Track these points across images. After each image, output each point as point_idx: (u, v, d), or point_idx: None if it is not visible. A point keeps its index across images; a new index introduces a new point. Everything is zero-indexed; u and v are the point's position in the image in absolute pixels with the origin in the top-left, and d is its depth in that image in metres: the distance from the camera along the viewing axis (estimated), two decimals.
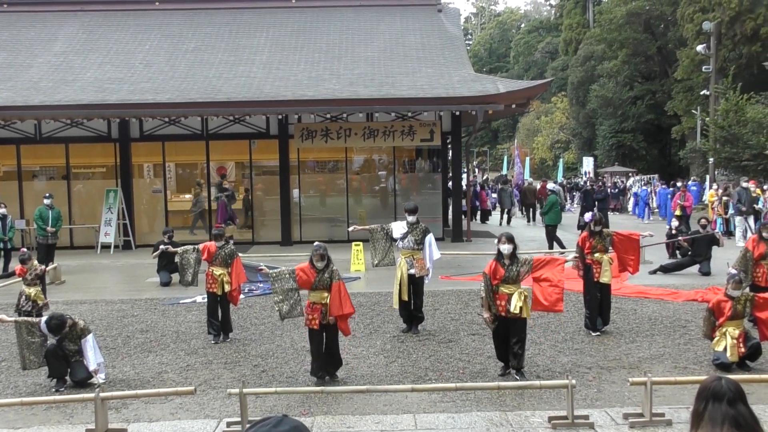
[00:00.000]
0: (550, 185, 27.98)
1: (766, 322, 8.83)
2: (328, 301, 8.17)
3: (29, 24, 24.65)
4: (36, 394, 8.21)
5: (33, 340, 8.46)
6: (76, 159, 21.45)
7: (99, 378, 8.41)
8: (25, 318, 9.08)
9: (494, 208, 30.53)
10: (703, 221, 15.69)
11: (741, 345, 8.64)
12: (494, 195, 31.60)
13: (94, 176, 22.29)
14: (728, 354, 8.63)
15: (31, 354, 8.45)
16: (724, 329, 8.74)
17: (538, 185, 29.25)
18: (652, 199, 30.09)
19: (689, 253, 15.51)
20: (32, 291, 10.73)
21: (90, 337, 8.43)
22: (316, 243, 8.55)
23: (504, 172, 51.95)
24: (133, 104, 19.21)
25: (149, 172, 22.49)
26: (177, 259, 11.30)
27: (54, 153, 21.28)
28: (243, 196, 22.23)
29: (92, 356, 8.35)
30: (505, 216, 27.78)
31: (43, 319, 8.56)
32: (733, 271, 9.28)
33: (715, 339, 8.81)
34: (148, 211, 21.76)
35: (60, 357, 8.44)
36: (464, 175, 25.05)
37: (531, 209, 28.23)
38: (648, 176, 36.68)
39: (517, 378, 8.29)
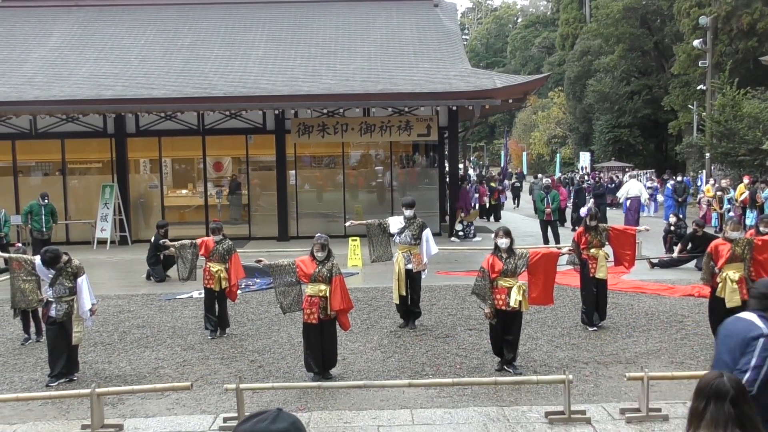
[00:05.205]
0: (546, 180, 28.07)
1: (764, 264, 8.79)
2: (326, 294, 8.15)
3: (24, 19, 24.55)
4: (32, 390, 8.18)
5: (27, 280, 9.00)
6: (71, 154, 21.38)
7: (87, 323, 8.77)
8: (19, 255, 9.37)
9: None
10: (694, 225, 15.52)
11: (743, 290, 8.56)
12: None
13: (90, 172, 22.21)
14: (727, 301, 8.57)
15: (19, 293, 9.02)
16: (723, 274, 8.67)
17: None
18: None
19: (687, 250, 15.47)
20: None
21: (85, 277, 8.61)
22: (317, 234, 8.53)
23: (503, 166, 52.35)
24: (128, 99, 19.15)
25: (145, 167, 22.45)
26: (174, 253, 11.25)
27: (49, 148, 21.21)
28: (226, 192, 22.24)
29: (87, 296, 8.56)
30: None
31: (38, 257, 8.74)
32: (732, 214, 9.25)
33: (719, 286, 8.74)
34: (144, 206, 21.71)
35: (63, 345, 8.40)
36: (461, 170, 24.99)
37: None
38: (643, 171, 36.66)
39: (510, 371, 8.30)
